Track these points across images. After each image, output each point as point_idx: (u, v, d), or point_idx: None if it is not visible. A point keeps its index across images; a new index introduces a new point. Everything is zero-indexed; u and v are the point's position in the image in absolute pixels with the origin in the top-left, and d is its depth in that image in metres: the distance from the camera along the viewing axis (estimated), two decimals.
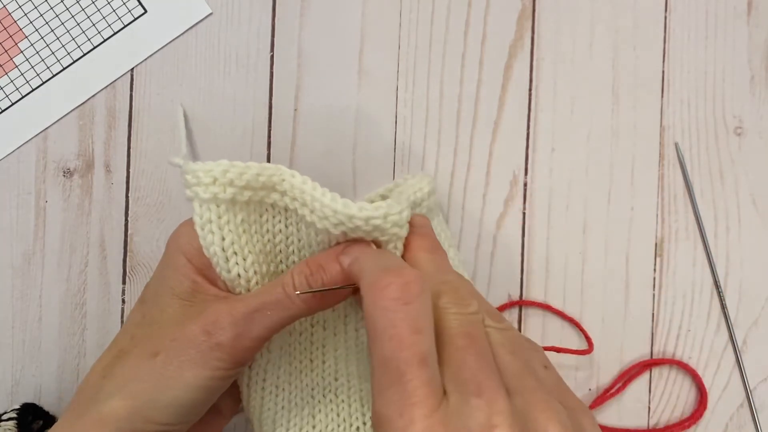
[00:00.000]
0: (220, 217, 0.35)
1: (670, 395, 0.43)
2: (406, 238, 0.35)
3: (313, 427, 0.40)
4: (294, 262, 0.37)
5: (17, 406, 0.42)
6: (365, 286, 0.29)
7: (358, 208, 0.33)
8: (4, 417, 0.41)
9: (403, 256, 0.35)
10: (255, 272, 0.36)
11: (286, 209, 0.36)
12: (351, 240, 0.35)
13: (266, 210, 0.37)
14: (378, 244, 0.35)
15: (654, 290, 0.43)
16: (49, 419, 0.43)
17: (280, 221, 0.37)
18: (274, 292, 0.34)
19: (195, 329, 0.33)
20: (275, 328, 0.34)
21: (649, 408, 0.43)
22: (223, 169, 0.35)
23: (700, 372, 0.43)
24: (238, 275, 0.36)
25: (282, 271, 0.37)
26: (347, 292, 0.34)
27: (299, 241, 0.37)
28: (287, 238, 0.37)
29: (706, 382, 0.43)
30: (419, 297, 0.28)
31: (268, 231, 0.37)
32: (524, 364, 0.29)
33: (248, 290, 0.36)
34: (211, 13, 0.44)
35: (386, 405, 0.27)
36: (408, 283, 0.28)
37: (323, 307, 0.35)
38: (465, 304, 0.30)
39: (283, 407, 0.39)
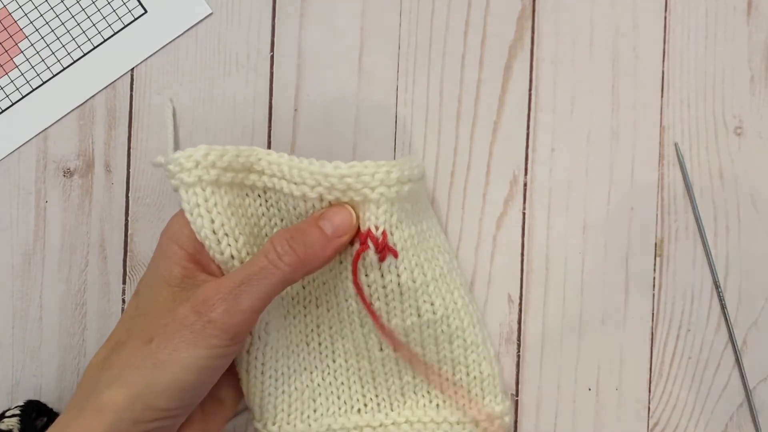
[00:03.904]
0: (207, 200, 0.36)
1: (670, 395, 0.43)
2: None
3: (314, 410, 0.40)
4: None
5: (21, 403, 0.42)
6: None
7: (333, 167, 0.36)
8: (8, 414, 0.41)
9: None
10: (248, 253, 0.37)
11: (264, 190, 0.38)
12: (328, 206, 0.37)
13: (247, 194, 0.38)
14: (354, 207, 0.37)
15: (654, 290, 0.43)
16: (53, 416, 0.43)
17: (261, 204, 0.38)
18: (258, 262, 0.35)
19: (185, 311, 0.33)
20: (264, 297, 0.34)
21: (648, 408, 0.43)
22: (203, 152, 0.36)
23: (699, 372, 0.43)
24: (231, 256, 0.36)
25: None
26: (329, 254, 0.36)
27: (282, 220, 0.38)
28: (270, 220, 0.38)
29: (706, 382, 0.43)
30: None
31: (252, 215, 0.38)
32: None
33: None
34: (211, 13, 0.44)
35: None
36: None
37: (308, 270, 0.36)
38: None
39: (283, 392, 0.40)
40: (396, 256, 0.37)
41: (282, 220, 0.38)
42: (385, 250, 0.37)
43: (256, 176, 0.37)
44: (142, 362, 0.33)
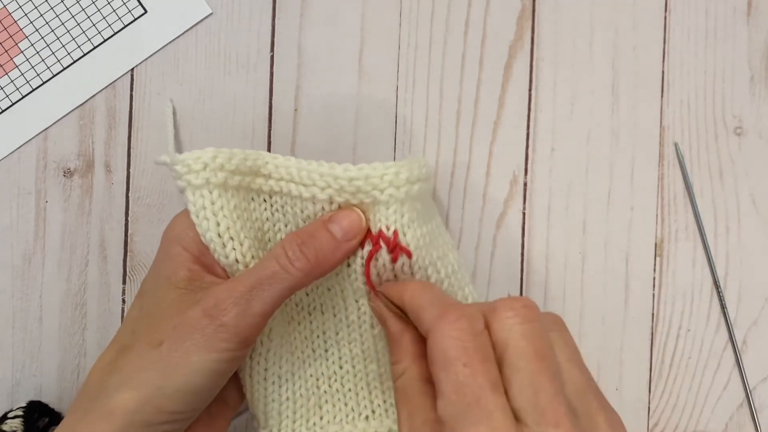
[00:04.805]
0: (213, 203, 0.36)
1: (670, 395, 0.43)
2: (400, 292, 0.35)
3: (321, 417, 0.40)
4: None
5: (23, 404, 0.42)
6: (430, 318, 0.31)
7: (343, 169, 0.36)
8: (11, 415, 0.41)
9: (404, 306, 0.34)
10: (252, 257, 0.37)
11: (270, 194, 0.38)
12: (337, 209, 0.36)
13: (252, 198, 0.38)
14: (364, 210, 0.36)
15: (654, 290, 0.43)
16: (55, 416, 0.43)
17: (266, 209, 0.38)
18: (269, 266, 0.34)
19: (196, 314, 0.33)
20: (275, 301, 0.34)
21: (648, 408, 0.43)
22: (212, 155, 0.36)
23: (699, 372, 0.43)
24: (236, 260, 0.36)
25: None
26: (340, 258, 0.36)
27: (286, 225, 0.38)
28: (275, 225, 0.38)
29: (706, 382, 0.43)
30: (484, 331, 0.30)
31: (257, 219, 0.38)
32: (587, 379, 0.30)
33: None
34: (211, 13, 0.44)
35: (467, 428, 0.27)
36: (473, 317, 0.30)
37: (319, 274, 0.36)
38: (527, 318, 0.30)
39: (287, 398, 0.39)
40: (410, 256, 0.37)
41: (287, 225, 0.38)
42: (396, 249, 0.36)
43: (262, 180, 0.37)
44: (152, 365, 0.33)
